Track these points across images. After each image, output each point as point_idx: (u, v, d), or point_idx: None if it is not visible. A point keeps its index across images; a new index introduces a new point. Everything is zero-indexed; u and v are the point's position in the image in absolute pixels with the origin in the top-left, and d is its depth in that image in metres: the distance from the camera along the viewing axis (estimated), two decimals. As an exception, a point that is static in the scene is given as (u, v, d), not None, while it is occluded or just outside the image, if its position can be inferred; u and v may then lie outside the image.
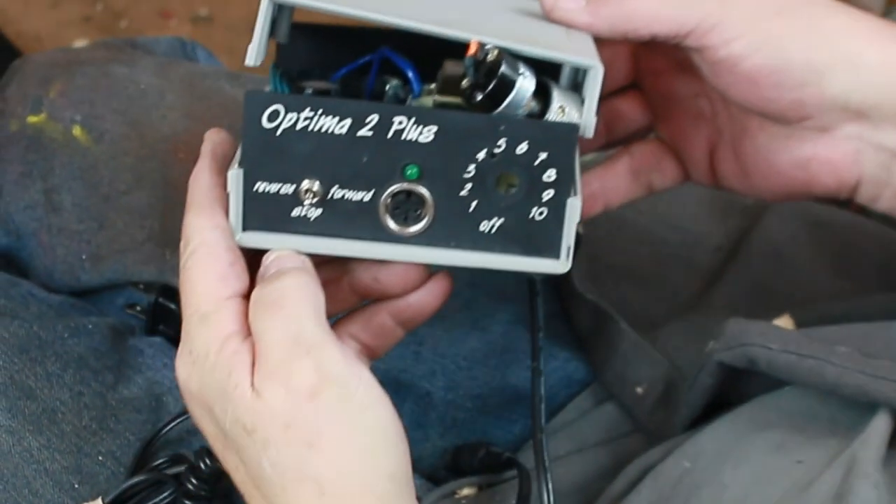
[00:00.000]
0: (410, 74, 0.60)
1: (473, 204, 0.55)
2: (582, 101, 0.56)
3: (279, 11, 0.59)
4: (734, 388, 0.66)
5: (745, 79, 0.60)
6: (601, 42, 0.60)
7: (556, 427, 0.77)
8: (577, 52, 0.56)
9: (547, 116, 0.56)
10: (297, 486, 0.51)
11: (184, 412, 0.73)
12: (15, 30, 1.61)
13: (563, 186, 0.54)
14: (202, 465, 0.68)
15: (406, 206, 0.55)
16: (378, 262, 0.59)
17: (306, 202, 0.55)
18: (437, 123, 0.53)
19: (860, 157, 0.62)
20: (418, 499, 0.57)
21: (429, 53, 0.59)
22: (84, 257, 0.81)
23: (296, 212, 0.55)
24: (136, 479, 0.70)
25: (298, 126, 0.54)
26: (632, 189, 0.69)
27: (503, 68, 0.54)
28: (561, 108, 0.56)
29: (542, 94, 0.56)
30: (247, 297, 0.55)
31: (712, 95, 0.66)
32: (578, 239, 0.56)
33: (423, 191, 0.54)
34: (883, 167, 0.62)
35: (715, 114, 0.66)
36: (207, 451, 0.68)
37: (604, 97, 0.55)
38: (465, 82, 0.56)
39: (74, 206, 0.81)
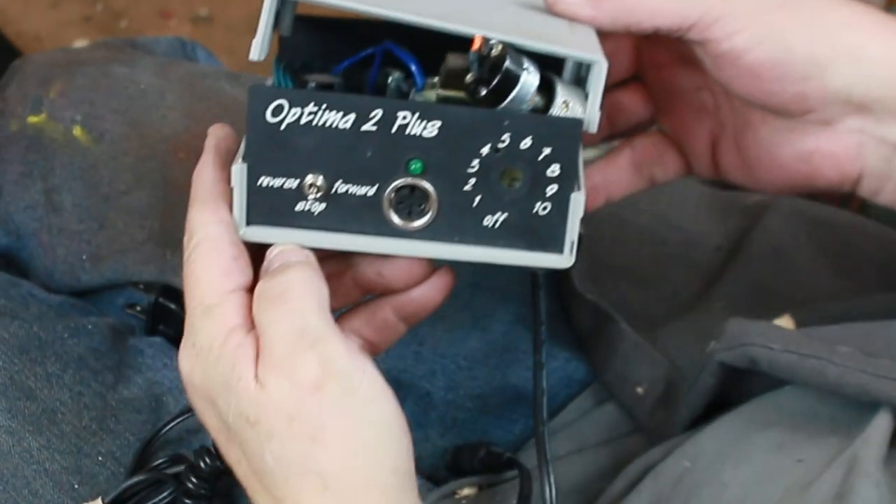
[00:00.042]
0: (413, 68, 0.60)
1: (477, 199, 0.55)
2: (585, 96, 0.56)
3: (283, 4, 0.59)
4: (734, 387, 0.66)
5: (748, 72, 0.60)
6: (603, 34, 0.60)
7: (557, 427, 0.77)
8: (581, 46, 0.56)
9: (551, 111, 0.56)
10: (300, 479, 0.51)
11: (184, 412, 0.73)
12: (15, 30, 1.61)
13: (567, 181, 0.54)
14: (202, 464, 0.68)
15: (410, 201, 0.55)
16: (382, 257, 0.59)
17: (310, 197, 0.55)
18: (441, 118, 0.53)
19: (862, 151, 0.62)
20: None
21: (431, 45, 0.59)
22: (84, 257, 0.81)
23: (300, 206, 0.55)
24: (135, 479, 0.70)
25: (302, 121, 0.54)
26: (634, 182, 0.69)
27: (507, 63, 0.54)
28: (565, 103, 0.56)
29: (546, 89, 0.56)
30: (250, 290, 0.55)
31: (715, 88, 0.66)
32: (579, 238, 0.56)
33: (427, 185, 0.55)
34: (885, 160, 0.62)
35: (717, 107, 0.66)
36: (207, 450, 0.68)
37: (606, 90, 0.56)
38: (469, 77, 0.56)
39: (75, 207, 0.81)
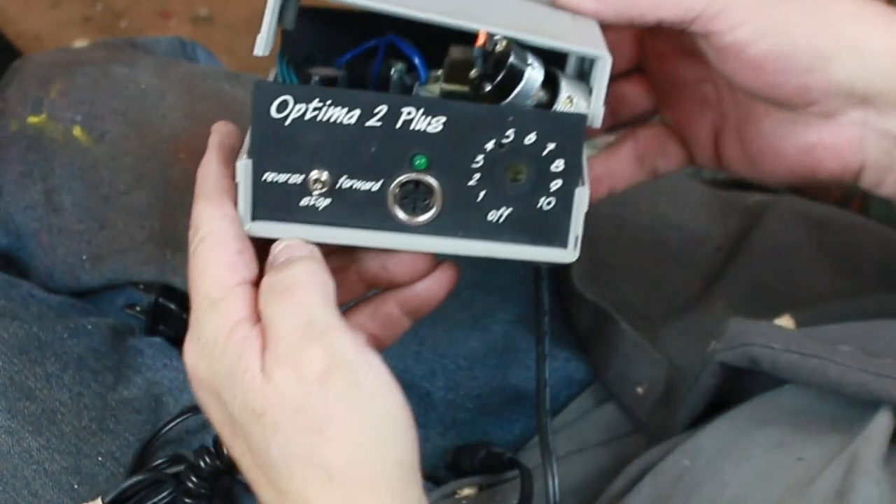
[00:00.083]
0: (417, 61, 0.60)
1: (482, 194, 0.55)
2: (589, 91, 0.56)
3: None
4: (735, 387, 0.66)
5: (751, 64, 0.60)
6: (606, 26, 0.60)
7: (557, 427, 0.77)
8: (585, 40, 0.56)
9: (555, 107, 0.56)
10: (305, 472, 0.51)
11: (184, 412, 0.73)
12: (15, 30, 1.61)
13: (572, 176, 0.54)
14: (202, 464, 0.68)
15: (414, 196, 0.55)
16: (386, 252, 0.59)
17: (315, 192, 0.55)
18: (445, 114, 0.54)
19: (864, 143, 0.62)
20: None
21: (433, 38, 0.59)
22: (84, 257, 0.81)
23: (304, 201, 0.55)
24: (135, 479, 0.69)
25: (307, 116, 0.54)
26: (636, 173, 0.69)
27: (512, 59, 0.54)
28: (569, 99, 0.56)
29: (551, 84, 0.56)
30: (256, 285, 0.55)
31: (718, 80, 0.66)
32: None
33: (432, 181, 0.55)
34: (886, 153, 0.62)
35: (720, 99, 0.67)
36: (207, 450, 0.68)
37: (609, 82, 0.56)
38: (473, 72, 0.56)
39: (75, 207, 0.81)
